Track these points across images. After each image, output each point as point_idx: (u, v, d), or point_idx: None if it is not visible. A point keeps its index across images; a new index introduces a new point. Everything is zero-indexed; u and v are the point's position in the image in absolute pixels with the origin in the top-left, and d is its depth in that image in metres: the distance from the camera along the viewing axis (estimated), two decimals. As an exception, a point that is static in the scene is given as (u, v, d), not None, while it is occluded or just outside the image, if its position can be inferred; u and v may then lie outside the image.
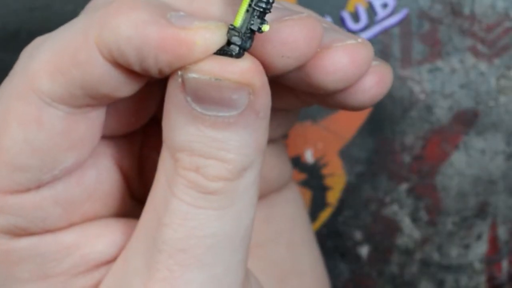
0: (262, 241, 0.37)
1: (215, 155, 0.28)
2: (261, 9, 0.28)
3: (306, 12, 0.31)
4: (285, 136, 0.45)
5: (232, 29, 0.28)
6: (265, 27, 0.28)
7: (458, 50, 0.46)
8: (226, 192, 0.29)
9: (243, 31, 0.28)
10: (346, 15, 0.46)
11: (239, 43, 0.28)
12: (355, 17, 0.46)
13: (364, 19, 0.46)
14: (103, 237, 0.32)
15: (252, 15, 0.28)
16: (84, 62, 0.28)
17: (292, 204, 0.38)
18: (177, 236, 0.29)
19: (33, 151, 0.30)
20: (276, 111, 0.34)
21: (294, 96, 0.34)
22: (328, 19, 0.46)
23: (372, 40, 0.46)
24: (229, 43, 0.28)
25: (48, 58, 0.29)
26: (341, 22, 0.46)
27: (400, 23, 0.46)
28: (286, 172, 0.38)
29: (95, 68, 0.28)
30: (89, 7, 0.32)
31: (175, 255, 0.29)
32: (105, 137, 0.33)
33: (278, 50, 0.29)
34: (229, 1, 0.29)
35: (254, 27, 0.28)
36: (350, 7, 0.46)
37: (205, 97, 0.28)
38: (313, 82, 0.31)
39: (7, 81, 0.30)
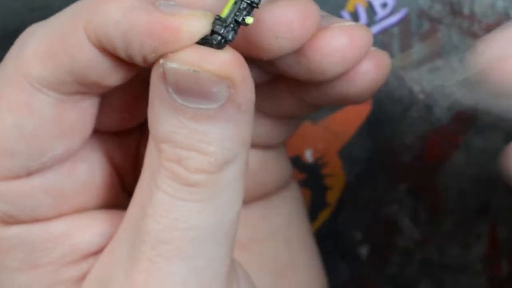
0: (259, 238, 0.37)
1: (197, 147, 0.28)
2: (248, 2, 0.28)
3: None
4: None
5: (217, 19, 0.28)
6: (249, 19, 0.28)
7: (457, 49, 0.46)
8: (208, 184, 0.29)
9: (227, 21, 0.28)
10: (345, 15, 0.46)
11: (221, 31, 0.28)
12: (355, 16, 0.46)
13: (363, 18, 0.46)
14: (92, 227, 0.32)
15: (239, 7, 0.28)
16: (72, 47, 0.29)
17: (290, 201, 0.38)
18: (160, 228, 0.29)
19: (22, 136, 0.30)
20: (277, 119, 0.34)
21: (295, 102, 0.34)
22: (328, 19, 0.46)
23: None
24: (212, 32, 0.28)
25: (39, 44, 0.29)
26: (340, 22, 0.46)
27: (400, 22, 0.46)
28: (286, 175, 0.38)
29: (82, 53, 0.29)
30: None
31: (157, 246, 0.29)
32: (100, 132, 0.33)
33: (272, 30, 0.29)
34: None
35: (238, 18, 0.28)
36: (349, 6, 0.46)
37: (185, 89, 0.28)
38: (311, 66, 0.30)
39: (1, 66, 0.31)
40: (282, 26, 0.29)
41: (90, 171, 0.33)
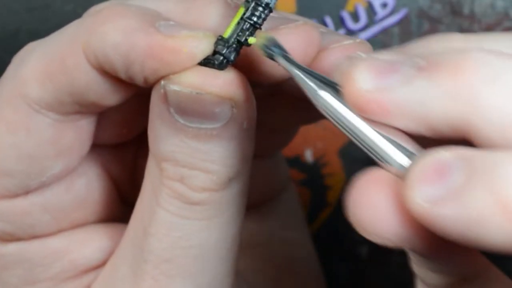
0: (256, 242, 0.37)
1: (200, 166, 0.28)
2: (251, 22, 0.28)
3: (303, 20, 0.31)
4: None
5: (220, 39, 0.28)
6: (252, 40, 0.28)
7: (457, 49, 0.46)
8: (211, 202, 0.29)
9: (230, 42, 0.28)
10: (345, 15, 0.46)
11: (223, 52, 0.28)
12: (355, 16, 0.46)
13: (363, 18, 0.46)
14: (91, 242, 0.32)
15: (242, 28, 0.28)
16: (71, 68, 0.28)
17: (286, 204, 0.38)
18: (162, 246, 0.29)
19: (20, 157, 0.30)
20: (274, 129, 0.34)
21: (293, 113, 0.34)
22: (328, 19, 0.46)
23: (372, 40, 0.46)
24: (215, 53, 0.28)
25: (38, 64, 0.29)
26: (341, 22, 0.46)
27: (400, 22, 0.46)
28: (282, 181, 0.38)
29: (82, 75, 0.28)
30: (85, 14, 0.32)
31: (160, 265, 0.29)
32: (97, 146, 0.32)
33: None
34: (226, 14, 0.29)
35: (241, 39, 0.28)
36: (349, 6, 0.46)
37: (187, 110, 0.28)
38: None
39: None
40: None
41: (88, 185, 0.33)
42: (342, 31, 0.46)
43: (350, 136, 0.25)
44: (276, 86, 0.30)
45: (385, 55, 0.25)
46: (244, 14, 0.28)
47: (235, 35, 0.28)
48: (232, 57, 0.28)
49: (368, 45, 0.30)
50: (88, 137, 0.31)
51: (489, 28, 0.46)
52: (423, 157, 0.23)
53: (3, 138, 0.30)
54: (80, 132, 0.31)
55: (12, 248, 0.31)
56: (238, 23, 0.28)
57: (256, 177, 0.33)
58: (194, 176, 0.28)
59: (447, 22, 0.46)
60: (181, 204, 0.29)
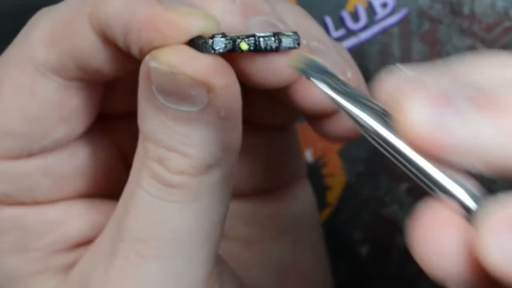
0: (265, 237, 0.37)
1: (178, 148, 0.28)
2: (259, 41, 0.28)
3: (304, 33, 0.30)
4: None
5: (222, 33, 0.28)
6: (244, 46, 0.28)
7: (457, 49, 0.46)
8: (188, 186, 0.29)
9: (227, 36, 0.28)
10: (345, 15, 0.46)
11: (214, 39, 0.28)
12: (355, 16, 0.46)
13: (363, 18, 0.46)
14: (86, 216, 0.32)
15: (246, 36, 0.28)
16: (75, 33, 0.29)
17: (301, 203, 0.38)
18: (138, 226, 0.29)
19: (24, 119, 0.30)
20: (277, 99, 0.34)
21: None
22: (328, 19, 0.46)
23: (372, 40, 0.46)
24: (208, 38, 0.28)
25: (45, 28, 0.30)
26: (341, 22, 0.46)
27: (400, 22, 0.46)
28: (297, 166, 0.38)
29: (84, 40, 0.29)
30: None
31: (134, 244, 0.29)
32: (105, 115, 0.33)
33: (260, 74, 0.29)
34: (229, 10, 0.29)
35: (237, 41, 0.28)
36: (349, 6, 0.46)
37: (166, 89, 0.28)
38: (297, 103, 0.30)
39: (9, 48, 0.31)
40: (270, 73, 0.29)
41: (93, 155, 0.33)
42: (342, 31, 0.46)
43: (405, 170, 0.24)
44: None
45: (434, 81, 0.23)
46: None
47: (235, 36, 0.28)
48: (218, 47, 0.28)
49: (358, 73, 0.30)
50: (94, 105, 0.31)
51: (489, 28, 0.46)
52: (495, 206, 0.22)
53: (8, 98, 0.30)
54: (85, 99, 0.31)
55: (9, 212, 0.32)
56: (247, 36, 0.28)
57: (267, 153, 0.33)
58: (172, 158, 0.28)
59: (447, 22, 0.46)
60: (158, 185, 0.29)
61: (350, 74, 0.30)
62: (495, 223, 0.22)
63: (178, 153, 0.28)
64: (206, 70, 0.28)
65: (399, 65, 0.24)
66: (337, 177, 0.47)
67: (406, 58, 0.46)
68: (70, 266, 0.32)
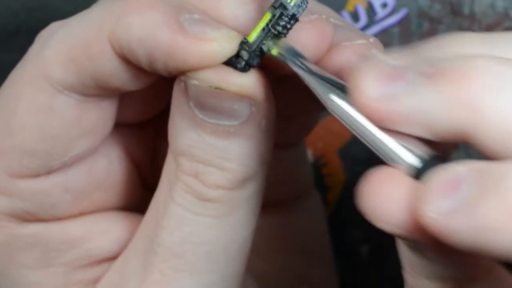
0: (276, 248, 0.37)
1: (215, 162, 0.28)
2: (276, 32, 0.28)
3: (319, 11, 0.30)
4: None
5: (244, 42, 0.28)
6: (274, 51, 0.28)
7: (457, 49, 0.46)
8: (224, 201, 0.29)
9: (253, 48, 0.28)
10: (345, 15, 0.46)
11: (245, 58, 0.28)
12: (355, 16, 0.46)
13: (363, 18, 0.46)
14: (109, 233, 0.32)
15: (266, 35, 0.28)
16: (96, 55, 0.29)
17: (310, 213, 0.38)
18: (173, 240, 0.29)
19: (43, 137, 0.30)
20: (292, 117, 0.34)
21: (308, 98, 0.34)
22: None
23: (372, 40, 0.46)
24: (237, 55, 0.28)
25: (62, 47, 0.29)
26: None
27: (400, 22, 0.46)
28: (306, 179, 0.38)
29: (106, 62, 0.29)
30: None
31: (169, 259, 0.29)
32: (118, 125, 0.32)
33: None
34: (241, 2, 0.29)
35: (264, 48, 0.28)
36: (349, 6, 0.46)
37: (207, 104, 0.28)
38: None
39: (20, 65, 0.31)
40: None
41: (110, 166, 0.33)
42: (342, 31, 0.46)
43: (360, 138, 0.26)
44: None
45: (393, 59, 0.25)
46: (270, 21, 0.28)
47: (258, 42, 0.28)
48: (254, 63, 0.28)
49: (380, 46, 0.30)
50: (111, 117, 0.31)
51: (489, 28, 0.46)
52: (438, 171, 0.23)
53: (26, 117, 0.30)
54: (103, 112, 0.31)
55: (31, 229, 0.31)
56: (263, 29, 0.28)
57: (278, 169, 0.33)
58: (209, 172, 0.28)
59: (447, 22, 0.46)
60: (194, 199, 0.29)
61: (372, 39, 0.31)
62: (431, 185, 0.23)
63: (215, 167, 0.28)
64: (249, 84, 0.28)
65: (374, 50, 0.26)
66: (337, 177, 0.47)
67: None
68: (94, 281, 0.32)
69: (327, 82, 0.27)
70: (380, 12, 0.46)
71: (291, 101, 0.33)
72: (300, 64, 0.27)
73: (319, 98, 0.26)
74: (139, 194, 0.34)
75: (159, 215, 0.29)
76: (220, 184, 0.29)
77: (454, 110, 0.23)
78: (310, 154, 0.47)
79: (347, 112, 0.26)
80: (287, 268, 0.37)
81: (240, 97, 0.28)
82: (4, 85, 0.31)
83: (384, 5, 0.46)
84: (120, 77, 0.29)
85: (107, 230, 0.32)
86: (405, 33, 0.46)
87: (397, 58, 0.25)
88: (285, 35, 0.28)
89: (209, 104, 0.28)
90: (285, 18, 0.28)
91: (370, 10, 0.46)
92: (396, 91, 0.24)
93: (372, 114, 0.25)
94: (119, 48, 0.28)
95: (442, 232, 0.23)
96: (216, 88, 0.28)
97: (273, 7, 0.28)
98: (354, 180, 0.47)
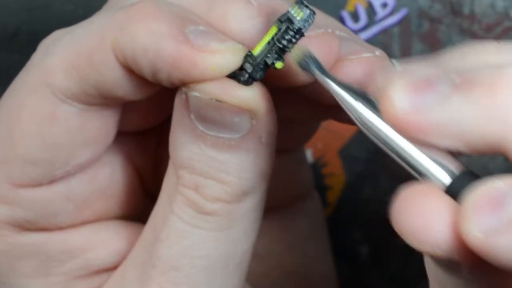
0: (276, 251, 0.37)
1: (215, 175, 0.28)
2: (281, 46, 0.28)
3: (325, 23, 0.30)
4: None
5: (249, 55, 0.28)
6: (279, 65, 0.28)
7: (457, 49, 0.46)
8: (223, 214, 0.29)
9: (257, 61, 0.28)
10: (345, 15, 0.46)
11: (249, 71, 0.28)
12: (355, 16, 0.46)
13: (363, 18, 0.46)
14: (109, 244, 0.32)
15: (271, 48, 0.28)
16: (99, 64, 0.28)
17: (309, 216, 0.38)
18: (171, 253, 0.29)
19: (46, 146, 0.30)
20: (293, 122, 0.34)
21: (310, 106, 0.34)
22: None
23: (372, 40, 0.46)
24: (241, 68, 0.28)
25: (64, 55, 0.29)
26: (341, 22, 0.46)
27: (400, 22, 0.46)
28: (305, 182, 0.38)
29: (109, 71, 0.28)
30: (111, 2, 0.31)
31: (167, 272, 0.29)
32: (121, 133, 0.32)
33: (293, 68, 0.29)
34: (248, 15, 0.29)
35: (269, 61, 0.28)
36: (349, 6, 0.46)
37: (207, 117, 0.28)
38: (326, 94, 0.30)
39: (23, 73, 0.31)
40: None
41: (112, 175, 0.33)
42: (342, 31, 0.46)
43: (388, 152, 0.25)
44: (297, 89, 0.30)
45: (421, 69, 0.24)
46: (276, 34, 0.28)
47: (263, 55, 0.28)
48: (258, 76, 0.28)
49: (387, 59, 0.30)
50: (114, 126, 0.31)
51: (489, 28, 0.46)
52: (478, 187, 0.23)
53: (29, 126, 0.30)
54: (105, 121, 0.31)
55: (31, 238, 0.31)
56: (269, 42, 0.28)
57: (277, 173, 0.33)
58: (208, 185, 0.28)
59: (447, 22, 0.46)
60: (193, 212, 0.29)
61: (378, 52, 0.30)
62: (472, 202, 0.23)
63: (215, 180, 0.28)
64: (250, 97, 0.28)
65: (393, 60, 0.26)
66: (337, 177, 0.47)
67: (406, 58, 0.46)
68: None
69: (352, 91, 0.26)
70: (380, 12, 0.46)
71: (292, 110, 0.33)
72: (323, 71, 0.27)
73: (346, 109, 0.26)
74: (140, 203, 0.34)
75: (158, 228, 0.29)
76: (220, 197, 0.28)
77: (487, 121, 0.23)
78: (310, 154, 0.47)
79: (376, 125, 0.25)
80: (287, 270, 0.37)
81: (241, 110, 0.28)
82: (7, 93, 0.31)
83: (384, 5, 0.46)
84: (123, 86, 0.29)
85: (107, 240, 0.32)
86: (405, 33, 0.46)
87: (425, 68, 0.24)
88: (290, 49, 0.28)
89: (210, 117, 0.28)
90: (291, 32, 0.28)
91: (370, 10, 0.46)
92: (428, 102, 0.24)
93: (404, 126, 0.24)
94: (123, 57, 0.28)
95: (487, 251, 0.22)
96: (217, 100, 0.27)
97: (279, 21, 0.28)
98: (354, 180, 0.47)
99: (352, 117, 0.26)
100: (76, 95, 0.29)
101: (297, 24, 0.28)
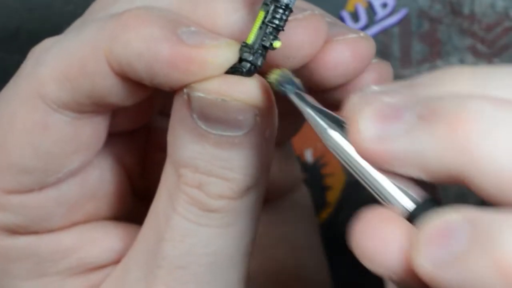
0: (266, 245, 0.37)
1: (219, 173, 0.28)
2: (274, 26, 0.28)
3: (310, 9, 0.30)
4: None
5: (244, 46, 0.28)
6: (277, 43, 0.28)
7: (457, 49, 0.46)
8: (228, 210, 0.29)
9: (255, 47, 0.28)
10: (345, 15, 0.46)
11: (250, 59, 0.28)
12: (355, 16, 0.46)
13: (363, 18, 0.46)
14: (100, 242, 0.32)
15: (265, 32, 0.28)
16: (92, 72, 0.28)
17: (299, 208, 0.38)
18: (177, 253, 0.29)
19: (38, 154, 0.30)
20: (284, 115, 0.34)
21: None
22: (328, 19, 0.46)
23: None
24: (240, 60, 0.28)
25: (56, 65, 0.29)
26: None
27: (400, 22, 0.46)
28: (294, 175, 0.38)
29: (103, 80, 0.28)
30: (94, 9, 0.31)
31: (174, 271, 0.29)
32: (110, 135, 0.32)
33: (283, 52, 0.29)
34: (234, 8, 0.29)
35: (266, 44, 0.28)
36: (349, 6, 0.46)
37: (211, 116, 0.28)
38: (315, 77, 0.30)
39: (13, 82, 0.30)
40: (294, 48, 0.29)
41: (102, 177, 0.33)
42: (342, 31, 0.46)
43: (355, 175, 0.26)
44: None
45: (390, 97, 0.25)
46: (265, 17, 0.28)
47: (259, 40, 0.28)
48: (259, 63, 0.28)
49: (371, 41, 0.30)
50: (104, 131, 0.31)
51: (489, 28, 0.46)
52: (432, 218, 0.23)
53: (21, 135, 0.30)
54: (97, 127, 0.31)
55: (23, 241, 0.31)
56: (260, 27, 0.28)
57: None
58: (212, 183, 0.28)
59: (447, 22, 0.46)
60: (198, 211, 0.29)
61: (362, 34, 0.31)
62: (425, 234, 0.23)
63: (219, 178, 0.28)
64: (255, 94, 0.28)
65: (371, 85, 0.26)
66: (337, 177, 0.47)
67: (406, 58, 0.46)
68: None
69: (325, 117, 0.26)
70: (380, 12, 0.46)
71: (282, 104, 0.33)
72: (300, 97, 0.27)
73: (317, 133, 0.26)
74: (129, 202, 0.34)
75: (161, 228, 0.29)
76: (224, 194, 0.28)
77: (448, 153, 0.23)
78: (310, 154, 0.47)
79: (343, 150, 0.26)
80: (278, 264, 0.37)
81: (246, 107, 0.28)
82: None
83: (384, 5, 0.46)
84: (117, 93, 0.29)
85: (98, 239, 0.32)
86: (405, 33, 0.46)
87: (394, 95, 0.25)
88: (282, 28, 0.28)
89: (214, 116, 0.28)
90: (280, 10, 0.28)
91: (370, 10, 0.46)
92: (393, 132, 0.24)
93: (368, 155, 0.25)
94: (118, 65, 0.28)
95: (435, 283, 0.23)
96: (222, 99, 0.27)
97: (265, 4, 0.28)
98: (354, 180, 0.47)
99: (324, 142, 0.26)
100: (68, 104, 0.29)
101: (284, 0, 0.28)
